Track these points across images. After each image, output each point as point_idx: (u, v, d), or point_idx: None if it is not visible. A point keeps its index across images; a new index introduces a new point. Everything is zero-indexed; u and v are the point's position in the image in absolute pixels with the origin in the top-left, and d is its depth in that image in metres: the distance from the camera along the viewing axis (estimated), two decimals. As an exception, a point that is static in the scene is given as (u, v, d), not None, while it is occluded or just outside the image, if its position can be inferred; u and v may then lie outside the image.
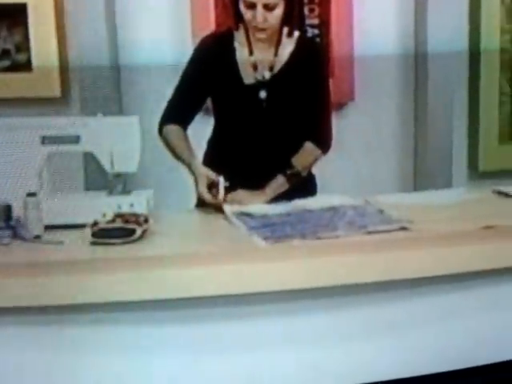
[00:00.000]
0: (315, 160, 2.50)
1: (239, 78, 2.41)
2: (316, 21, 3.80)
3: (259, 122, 2.43)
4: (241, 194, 2.29)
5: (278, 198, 2.34)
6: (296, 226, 1.95)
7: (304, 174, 2.46)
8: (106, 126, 2.15)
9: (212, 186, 2.23)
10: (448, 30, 3.77)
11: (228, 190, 2.24)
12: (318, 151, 2.48)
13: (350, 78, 3.81)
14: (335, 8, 3.74)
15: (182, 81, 2.46)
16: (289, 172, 2.41)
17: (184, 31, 3.60)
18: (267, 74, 2.43)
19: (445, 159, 3.92)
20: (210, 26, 3.55)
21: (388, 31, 3.89)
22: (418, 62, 3.96)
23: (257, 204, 2.26)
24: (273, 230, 1.92)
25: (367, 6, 3.80)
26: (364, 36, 3.79)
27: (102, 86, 3.49)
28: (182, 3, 3.65)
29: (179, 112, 2.45)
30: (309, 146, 2.46)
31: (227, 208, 2.17)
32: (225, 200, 2.21)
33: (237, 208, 2.18)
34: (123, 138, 2.15)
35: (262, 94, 2.42)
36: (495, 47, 4.00)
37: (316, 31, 3.79)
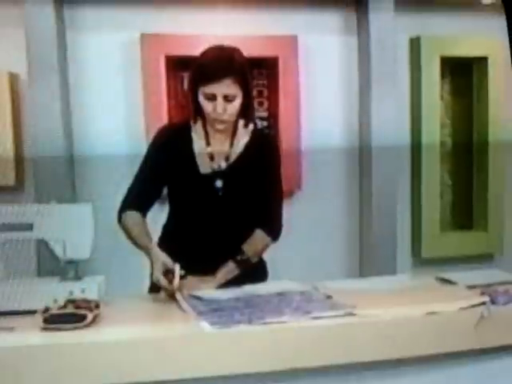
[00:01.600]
0: (265, 247, 2.54)
1: (196, 168, 2.45)
2: (265, 113, 3.94)
3: (214, 210, 2.47)
4: (191, 280, 2.30)
5: (229, 284, 2.36)
6: (244, 311, 1.96)
7: (254, 260, 2.49)
8: (59, 214, 2.16)
9: (168, 273, 2.22)
10: (390, 125, 3.92)
11: (180, 276, 2.23)
12: (268, 238, 2.52)
13: (298, 168, 3.91)
14: (283, 102, 3.87)
15: (141, 169, 2.49)
16: (239, 258, 2.44)
17: (137, 123, 3.68)
18: (223, 164, 2.47)
19: (389, 247, 3.99)
20: (162, 119, 3.64)
21: (334, 125, 4.03)
22: (362, 155, 4.08)
23: (207, 289, 2.28)
24: (220, 315, 1.93)
25: (314, 101, 3.95)
26: (311, 129, 3.93)
27: (57, 175, 3.52)
28: (135, 96, 3.74)
29: (138, 199, 2.46)
30: (259, 233, 2.50)
31: (179, 295, 2.18)
32: (179, 288, 2.20)
33: (188, 293, 2.20)
34: (76, 226, 2.16)
35: (218, 183, 2.45)
36: (436, 141, 4.16)
37: (265, 123, 3.92)
